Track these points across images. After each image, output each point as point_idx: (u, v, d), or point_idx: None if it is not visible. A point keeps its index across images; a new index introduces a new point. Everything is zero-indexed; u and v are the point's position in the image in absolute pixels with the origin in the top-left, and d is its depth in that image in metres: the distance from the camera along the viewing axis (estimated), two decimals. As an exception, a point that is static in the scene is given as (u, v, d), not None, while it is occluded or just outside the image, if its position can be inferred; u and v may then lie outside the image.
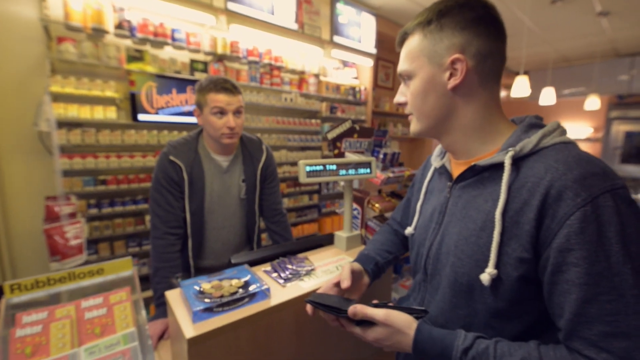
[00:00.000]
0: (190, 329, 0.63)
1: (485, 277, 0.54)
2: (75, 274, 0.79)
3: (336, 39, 3.20)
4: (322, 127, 3.41)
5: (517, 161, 0.55)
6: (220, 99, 1.19)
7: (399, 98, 0.69)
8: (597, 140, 5.72)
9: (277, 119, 3.02)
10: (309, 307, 0.70)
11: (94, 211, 2.14)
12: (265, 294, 0.75)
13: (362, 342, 0.63)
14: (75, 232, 1.94)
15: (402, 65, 0.65)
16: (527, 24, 3.77)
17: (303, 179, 0.99)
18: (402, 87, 0.68)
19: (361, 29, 3.44)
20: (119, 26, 2.11)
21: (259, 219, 1.44)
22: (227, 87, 1.21)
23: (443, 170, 0.72)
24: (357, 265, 0.80)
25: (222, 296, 0.71)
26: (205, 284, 0.76)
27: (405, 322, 0.58)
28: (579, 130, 5.80)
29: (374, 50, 3.59)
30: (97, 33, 2.06)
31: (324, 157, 3.47)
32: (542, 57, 5.14)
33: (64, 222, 1.90)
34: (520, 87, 3.51)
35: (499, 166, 0.57)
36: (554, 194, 0.48)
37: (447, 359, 0.53)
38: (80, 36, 2.04)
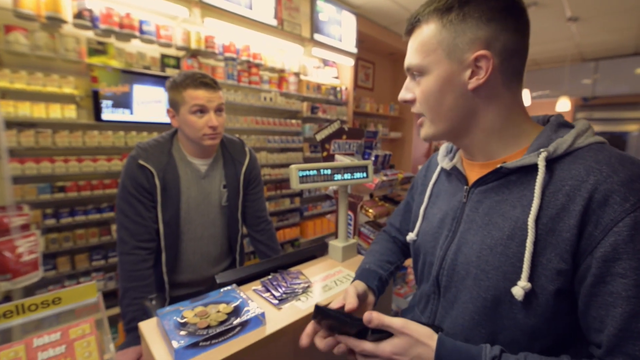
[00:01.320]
0: (172, 373, 0.52)
1: (518, 291, 0.48)
2: (24, 306, 0.65)
3: (317, 36, 3.12)
4: (303, 128, 3.32)
5: (549, 163, 0.50)
6: (200, 95, 1.06)
7: (405, 94, 0.61)
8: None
9: (257, 119, 2.89)
10: (308, 329, 0.59)
11: (51, 222, 1.91)
12: (259, 319, 0.65)
13: None
14: (28, 247, 1.71)
15: (413, 59, 0.57)
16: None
17: (295, 185, 0.90)
18: (408, 82, 0.61)
19: (342, 28, 3.38)
20: (79, 15, 1.90)
21: (241, 227, 1.32)
22: (207, 81, 1.08)
23: (454, 172, 0.66)
24: (361, 285, 0.71)
25: (208, 327, 0.60)
26: (188, 312, 0.65)
27: (425, 332, 0.51)
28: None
29: (354, 50, 3.55)
30: (53, 22, 1.83)
31: (305, 159, 3.37)
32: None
33: (15, 235, 1.67)
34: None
35: (529, 169, 0.51)
36: (598, 198, 0.44)
37: None
38: (33, 25, 1.81)
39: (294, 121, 3.20)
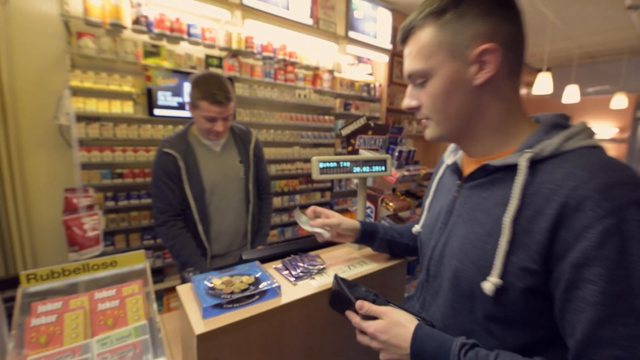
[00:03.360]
0: (200, 325, 0.63)
1: (488, 286, 0.51)
2: (89, 266, 0.79)
3: (351, 34, 3.15)
4: (335, 124, 3.38)
5: (534, 164, 0.50)
6: (212, 109, 1.26)
7: (409, 102, 0.62)
8: (623, 141, 5.46)
9: (291, 115, 3.01)
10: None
11: (110, 204, 2.18)
12: (275, 291, 0.74)
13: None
14: (92, 224, 1.98)
15: (414, 65, 0.57)
16: (550, 18, 3.61)
17: (316, 175, 0.97)
18: (411, 90, 0.62)
19: (377, 24, 3.37)
20: (137, 22, 2.13)
21: (254, 197, 1.52)
22: (220, 99, 1.26)
23: (454, 168, 0.68)
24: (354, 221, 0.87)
25: (232, 292, 0.70)
26: (216, 280, 0.75)
27: (406, 317, 0.58)
28: (604, 130, 5.55)
29: (389, 46, 3.52)
30: (115, 28, 2.09)
31: (337, 154, 3.44)
32: (565, 53, 4.92)
33: (82, 214, 1.94)
34: (543, 84, 3.37)
35: (514, 168, 0.52)
36: (572, 203, 0.44)
37: (445, 354, 0.51)
38: (99, 31, 2.08)
39: (326, 117, 3.27)
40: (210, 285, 0.73)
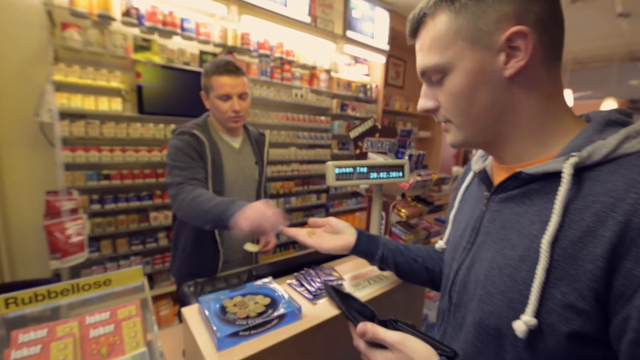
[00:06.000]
0: (214, 359, 0.54)
1: (520, 327, 0.40)
2: (79, 286, 0.70)
3: (349, 33, 3.09)
4: (331, 125, 3.31)
5: (582, 171, 0.40)
6: (224, 81, 1.17)
7: (425, 103, 0.52)
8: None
9: (287, 115, 2.92)
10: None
11: (96, 207, 2.05)
12: (296, 314, 0.66)
13: None
14: (76, 229, 1.85)
15: (428, 59, 0.48)
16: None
17: (332, 182, 0.90)
18: (426, 89, 0.53)
19: (374, 24, 3.33)
20: (127, 13, 2.01)
21: None
22: (230, 68, 1.18)
23: (483, 176, 0.57)
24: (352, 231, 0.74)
25: (248, 317, 0.62)
26: (227, 301, 0.67)
27: (425, 352, 0.43)
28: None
29: (386, 47, 3.48)
30: (103, 20, 1.95)
31: (333, 156, 3.37)
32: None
33: (65, 218, 1.81)
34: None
35: (556, 177, 0.41)
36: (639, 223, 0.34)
37: None
38: (86, 23, 1.94)
39: (323, 118, 3.20)
40: (222, 307, 0.64)
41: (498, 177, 0.54)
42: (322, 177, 3.32)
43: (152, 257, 2.26)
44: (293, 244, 3.19)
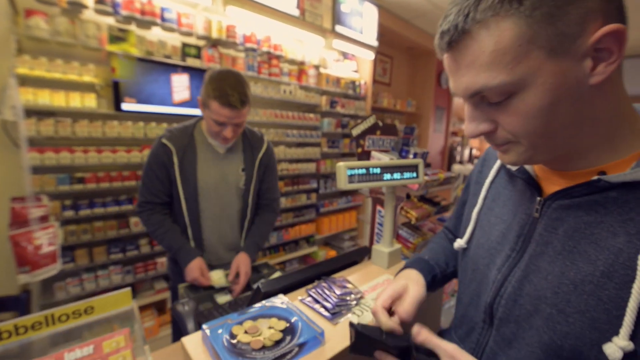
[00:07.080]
0: (229, 405, 0.45)
1: (614, 351, 0.37)
2: (54, 317, 0.58)
3: (338, 28, 3.01)
4: (321, 123, 3.23)
5: None
6: (223, 113, 1.09)
7: (477, 128, 0.45)
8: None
9: (275, 112, 2.80)
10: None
11: (69, 213, 1.86)
12: (318, 339, 0.57)
13: None
14: (47, 238, 1.67)
15: (491, 78, 0.39)
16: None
17: (344, 184, 0.81)
18: (473, 112, 0.45)
19: (363, 20, 3.26)
20: (100, 1, 1.83)
21: (251, 212, 1.34)
22: (233, 102, 1.07)
23: (522, 176, 0.53)
24: (419, 288, 0.62)
25: (264, 347, 0.53)
26: (237, 328, 0.57)
27: None
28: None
29: (375, 43, 3.42)
30: (74, 7, 1.77)
31: (323, 154, 3.29)
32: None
33: (34, 226, 1.62)
34: None
35: (636, 185, 0.39)
36: None
37: None
38: (54, 10, 1.75)
39: (312, 115, 3.10)
40: (234, 340, 0.54)
41: (548, 182, 0.50)
42: (311, 176, 3.23)
43: (133, 266, 2.10)
44: (283, 245, 3.09)
